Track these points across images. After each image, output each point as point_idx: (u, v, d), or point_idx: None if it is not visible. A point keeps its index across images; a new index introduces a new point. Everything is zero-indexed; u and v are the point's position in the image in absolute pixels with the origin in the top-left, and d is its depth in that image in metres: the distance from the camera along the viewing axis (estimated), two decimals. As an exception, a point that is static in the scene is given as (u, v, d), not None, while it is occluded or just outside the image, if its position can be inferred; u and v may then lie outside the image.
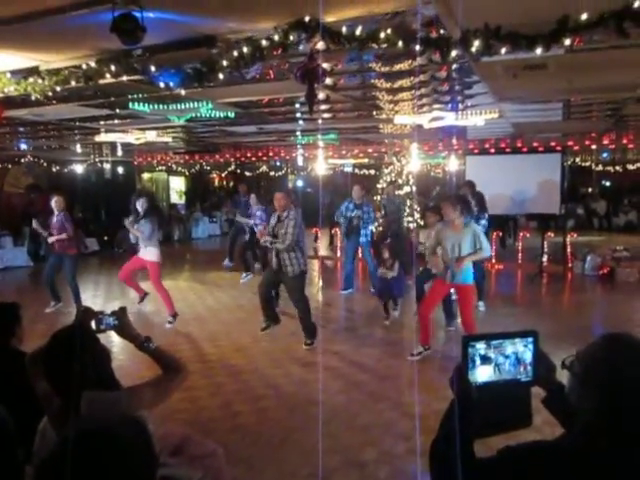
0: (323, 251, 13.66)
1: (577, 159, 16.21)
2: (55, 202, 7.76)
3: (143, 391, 2.35)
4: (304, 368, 5.71)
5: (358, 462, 3.79)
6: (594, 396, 1.43)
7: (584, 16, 3.10)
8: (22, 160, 15.84)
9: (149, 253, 7.25)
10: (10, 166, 16.10)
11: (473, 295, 5.83)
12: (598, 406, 1.42)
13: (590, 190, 20.92)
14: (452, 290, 6.16)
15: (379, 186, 12.56)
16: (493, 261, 11.50)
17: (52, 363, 2.18)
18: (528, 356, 1.59)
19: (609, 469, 1.35)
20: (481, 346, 1.57)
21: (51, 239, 7.72)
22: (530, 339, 1.60)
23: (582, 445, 1.41)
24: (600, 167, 18.27)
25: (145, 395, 2.34)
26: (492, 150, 12.32)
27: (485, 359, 1.57)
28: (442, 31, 3.73)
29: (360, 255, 9.56)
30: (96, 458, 1.23)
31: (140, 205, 7.24)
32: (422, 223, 11.86)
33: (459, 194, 6.81)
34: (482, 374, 1.57)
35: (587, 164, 17.06)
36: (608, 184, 21.38)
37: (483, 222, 7.42)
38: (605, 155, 16.04)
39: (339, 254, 12.64)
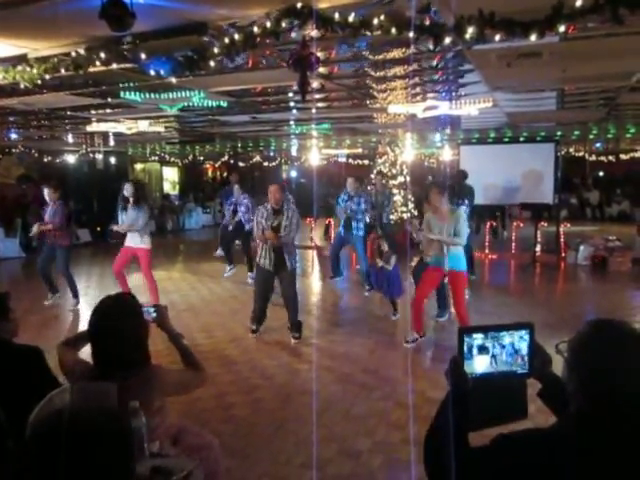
0: (318, 241, 13.63)
1: (571, 149, 16.27)
2: (47, 194, 7.66)
3: (171, 374, 2.48)
4: (298, 358, 5.71)
5: (352, 452, 3.80)
6: (579, 379, 1.45)
7: (579, 2, 3.08)
8: (13, 150, 15.68)
9: (140, 240, 7.01)
10: (1, 157, 15.95)
11: (464, 282, 5.83)
12: (583, 389, 1.44)
13: (583, 180, 20.99)
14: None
15: (372, 176, 12.54)
16: (486, 251, 11.54)
17: (97, 322, 2.32)
18: (524, 347, 1.59)
19: (599, 453, 1.36)
20: (478, 336, 1.56)
21: (34, 228, 7.59)
22: (526, 331, 1.59)
23: (573, 430, 1.42)
24: (593, 157, 18.35)
25: (171, 378, 2.47)
26: (486, 140, 12.31)
27: (482, 349, 1.57)
28: (436, 18, 3.69)
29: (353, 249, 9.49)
30: (74, 445, 1.23)
31: (127, 191, 6.98)
32: (416, 213, 11.87)
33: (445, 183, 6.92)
34: (479, 364, 1.57)
35: (580, 154, 17.13)
36: (601, 174, 21.47)
37: (463, 208, 7.53)
38: (598, 145, 16.11)
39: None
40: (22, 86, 5.23)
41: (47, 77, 4.91)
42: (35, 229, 7.62)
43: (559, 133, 12.60)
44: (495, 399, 1.58)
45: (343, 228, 9.00)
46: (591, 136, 13.12)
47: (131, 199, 7.02)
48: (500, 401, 1.60)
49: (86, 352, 2.60)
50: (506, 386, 1.59)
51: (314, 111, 9.59)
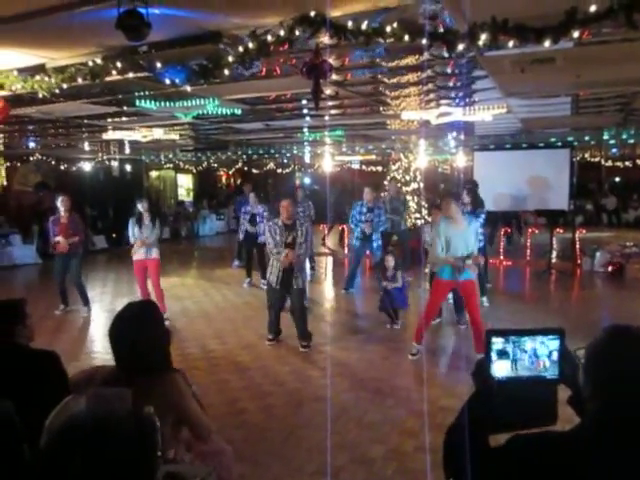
0: (332, 247, 13.64)
1: (586, 154, 16.11)
2: (61, 202, 7.71)
3: (192, 399, 2.47)
4: (310, 365, 5.70)
5: (365, 459, 3.78)
6: (595, 385, 1.46)
7: (593, 8, 3.06)
8: (31, 158, 15.93)
9: (150, 252, 7.27)
10: (19, 164, 16.20)
11: (477, 289, 5.77)
12: (599, 395, 1.44)
13: (599, 186, 20.76)
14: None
15: (385, 183, 12.52)
16: (501, 258, 11.45)
17: (119, 327, 2.35)
18: (545, 353, 1.57)
19: (614, 457, 1.35)
20: (498, 340, 1.56)
21: (61, 240, 7.58)
22: (556, 337, 1.58)
23: (589, 434, 1.42)
24: (609, 162, 18.15)
25: (190, 401, 2.46)
26: (500, 146, 12.24)
27: (502, 354, 1.56)
28: (449, 25, 3.70)
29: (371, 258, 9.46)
30: (91, 450, 1.23)
31: (142, 207, 7.25)
32: (430, 220, 11.82)
33: (453, 191, 6.88)
34: (499, 369, 1.56)
35: (596, 159, 16.96)
36: (617, 179, 21.23)
37: (483, 216, 7.44)
38: (614, 150, 15.93)
39: (346, 251, 12.61)
40: (40, 95, 5.33)
41: (64, 86, 5.00)
42: (62, 241, 7.61)
43: (571, 139, 12.47)
44: (523, 403, 1.57)
45: (360, 240, 8.91)
46: (606, 137, 12.90)
47: (146, 215, 7.24)
48: (528, 406, 1.58)
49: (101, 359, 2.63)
50: (535, 391, 1.58)
51: (327, 118, 9.62)
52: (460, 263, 5.42)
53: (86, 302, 7.97)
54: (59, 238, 7.63)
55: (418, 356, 5.76)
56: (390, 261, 6.96)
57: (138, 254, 7.30)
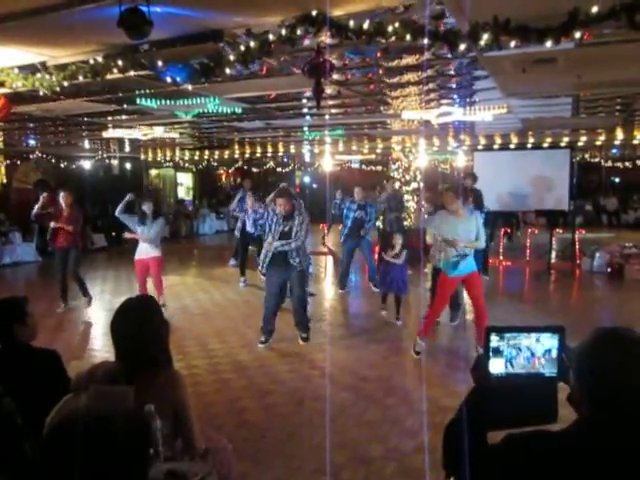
0: (332, 247, 13.62)
1: (586, 155, 16.12)
2: (62, 198, 7.76)
3: (188, 402, 2.41)
4: (310, 364, 5.71)
5: (365, 458, 3.78)
6: (584, 386, 1.48)
7: (595, 9, 3.06)
8: (31, 156, 15.91)
9: (152, 250, 7.32)
10: (19, 162, 16.18)
11: (481, 280, 5.89)
12: (588, 395, 1.46)
13: (598, 186, 20.78)
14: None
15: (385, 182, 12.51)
16: (501, 258, 11.46)
17: (120, 321, 2.38)
18: (541, 350, 1.58)
19: (603, 457, 1.36)
20: (495, 337, 1.56)
21: (53, 225, 7.67)
22: (555, 335, 1.58)
23: (579, 434, 1.43)
24: (610, 163, 18.18)
25: (186, 399, 2.41)
26: (501, 146, 12.23)
27: (497, 352, 1.56)
28: (450, 25, 3.70)
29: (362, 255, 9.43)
30: (88, 446, 1.24)
31: (147, 208, 7.29)
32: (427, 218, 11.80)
33: (461, 185, 6.88)
34: (495, 366, 1.56)
35: (596, 160, 16.99)
36: (617, 180, 21.25)
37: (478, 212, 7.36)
38: (615, 151, 15.95)
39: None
40: (41, 93, 5.32)
41: (65, 84, 4.99)
42: (52, 225, 7.69)
43: (568, 139, 12.45)
44: (521, 400, 1.57)
45: (349, 237, 8.91)
46: (614, 140, 12.82)
47: (150, 214, 7.28)
48: (527, 403, 1.58)
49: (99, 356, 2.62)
50: (533, 388, 1.58)
51: (327, 117, 9.62)
52: (453, 245, 5.45)
53: (85, 293, 8.01)
54: (56, 224, 7.66)
55: (421, 356, 5.72)
56: (398, 239, 6.99)
57: (139, 254, 7.34)
